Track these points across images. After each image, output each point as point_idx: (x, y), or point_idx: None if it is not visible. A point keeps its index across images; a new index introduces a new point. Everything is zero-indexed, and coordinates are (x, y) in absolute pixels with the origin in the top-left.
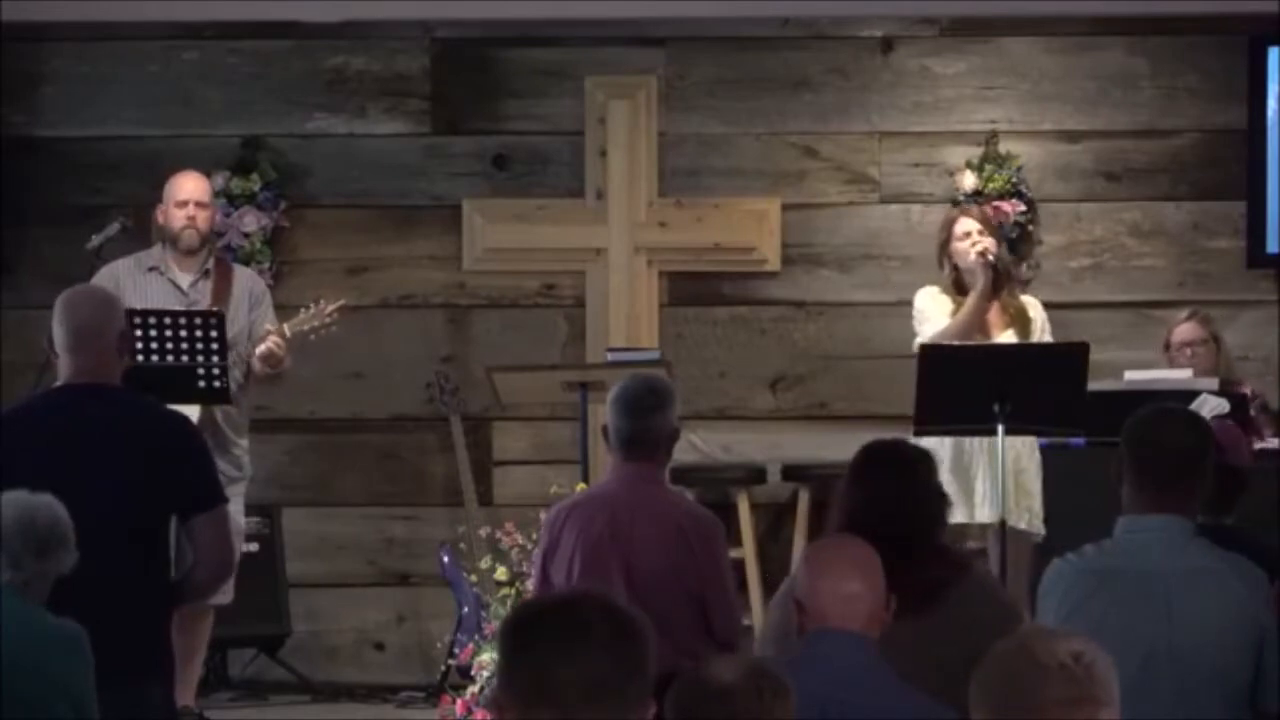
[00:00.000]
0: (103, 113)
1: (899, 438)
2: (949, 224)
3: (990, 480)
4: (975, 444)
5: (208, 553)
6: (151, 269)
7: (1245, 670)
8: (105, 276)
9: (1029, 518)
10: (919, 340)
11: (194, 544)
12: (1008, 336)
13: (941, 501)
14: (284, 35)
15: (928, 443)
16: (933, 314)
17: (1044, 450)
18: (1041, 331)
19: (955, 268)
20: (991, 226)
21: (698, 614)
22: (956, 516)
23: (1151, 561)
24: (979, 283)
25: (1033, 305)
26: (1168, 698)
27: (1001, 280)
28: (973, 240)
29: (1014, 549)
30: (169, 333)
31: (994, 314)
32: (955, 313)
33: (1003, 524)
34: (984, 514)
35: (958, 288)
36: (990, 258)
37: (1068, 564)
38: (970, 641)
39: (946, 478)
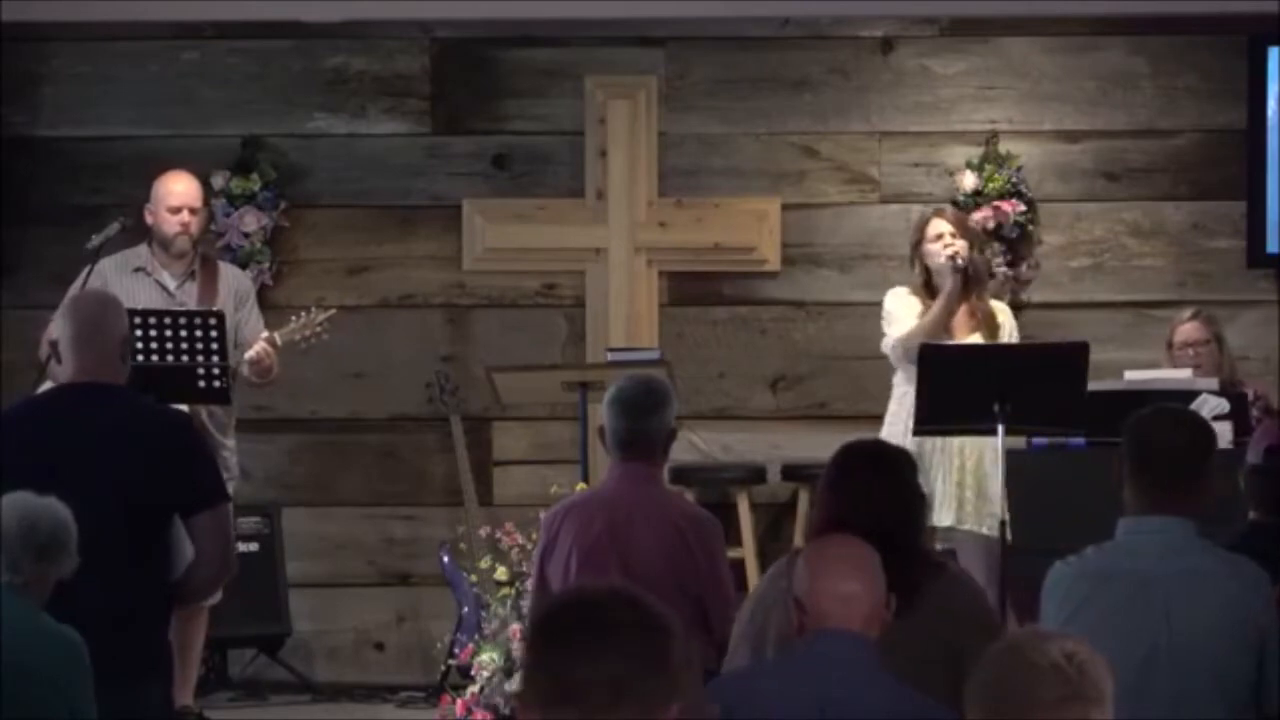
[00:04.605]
0: (103, 113)
1: (877, 438)
2: (922, 225)
3: (950, 483)
4: (933, 445)
5: (210, 551)
6: (137, 269)
7: (1244, 671)
8: (94, 276)
9: (990, 522)
10: (886, 341)
11: (195, 542)
12: (974, 339)
13: (921, 501)
14: (284, 35)
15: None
16: (900, 315)
17: (1009, 453)
18: (1009, 336)
19: (926, 269)
20: (965, 229)
21: (696, 614)
22: None
23: (1150, 563)
24: (948, 285)
25: (1001, 310)
26: (1167, 699)
27: (971, 283)
28: (944, 242)
29: (974, 552)
30: (169, 333)
31: (961, 316)
32: (924, 314)
33: (1003, 525)
34: (943, 518)
35: (928, 289)
36: (960, 261)
37: (1068, 566)
38: (946, 641)
39: None
